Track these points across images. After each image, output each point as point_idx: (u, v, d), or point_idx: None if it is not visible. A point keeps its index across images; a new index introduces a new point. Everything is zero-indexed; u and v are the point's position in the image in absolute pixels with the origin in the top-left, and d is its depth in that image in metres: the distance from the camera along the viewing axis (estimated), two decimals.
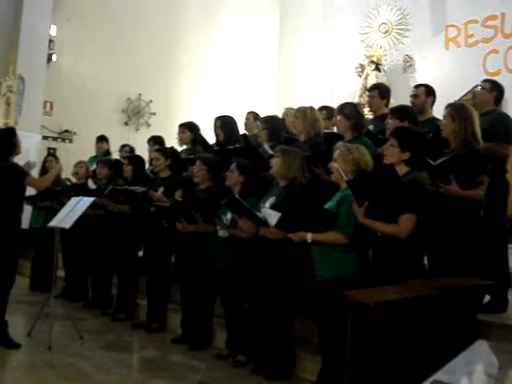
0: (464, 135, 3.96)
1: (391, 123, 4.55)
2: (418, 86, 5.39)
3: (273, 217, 4.03)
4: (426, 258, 3.98)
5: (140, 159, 6.48)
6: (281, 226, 4.01)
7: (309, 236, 3.86)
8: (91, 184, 6.47)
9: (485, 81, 4.96)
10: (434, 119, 5.00)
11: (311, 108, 5.21)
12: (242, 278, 4.69)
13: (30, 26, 10.03)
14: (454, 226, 3.85)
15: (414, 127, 4.29)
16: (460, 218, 3.85)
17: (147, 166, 6.65)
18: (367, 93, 5.89)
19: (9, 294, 5.00)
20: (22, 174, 5.07)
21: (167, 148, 6.30)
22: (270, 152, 4.94)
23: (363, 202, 3.57)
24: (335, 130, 5.29)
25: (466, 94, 5.30)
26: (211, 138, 6.61)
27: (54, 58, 10.71)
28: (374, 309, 2.90)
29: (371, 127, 5.25)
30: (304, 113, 5.10)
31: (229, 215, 4.84)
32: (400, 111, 4.66)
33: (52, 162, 7.52)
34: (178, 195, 5.56)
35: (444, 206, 3.86)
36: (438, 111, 5.13)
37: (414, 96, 5.23)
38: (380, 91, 5.58)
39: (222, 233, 4.89)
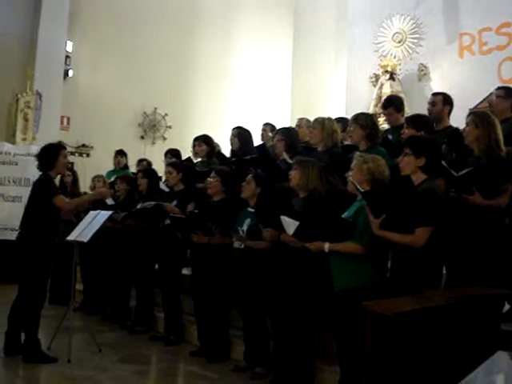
0: (488, 142, 3.96)
1: (407, 133, 4.54)
2: (435, 94, 5.36)
3: (291, 225, 4.02)
4: (444, 268, 3.95)
5: (154, 172, 6.52)
6: (298, 235, 4.01)
7: (326, 246, 3.85)
8: (108, 200, 6.53)
9: (499, 88, 4.93)
10: (451, 128, 4.98)
11: (329, 119, 5.22)
12: (260, 290, 4.68)
13: (47, 43, 10.21)
14: (479, 235, 3.83)
15: (426, 135, 4.27)
16: (484, 226, 3.83)
17: (163, 178, 6.68)
18: (383, 110, 5.86)
19: (40, 313, 4.99)
20: (51, 192, 5.05)
21: (180, 162, 6.34)
22: (290, 161, 4.94)
23: (378, 214, 3.57)
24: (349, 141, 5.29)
25: (481, 102, 5.27)
26: (227, 150, 6.65)
27: (70, 73, 10.87)
28: (392, 319, 2.88)
29: (390, 136, 5.25)
30: (322, 123, 5.11)
31: (245, 227, 4.85)
32: (416, 121, 4.65)
33: (70, 177, 7.59)
34: (190, 208, 5.59)
35: (468, 215, 3.84)
36: (454, 119, 5.12)
37: (432, 104, 5.20)
38: (396, 106, 5.55)
39: (237, 244, 4.90)
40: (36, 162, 5.23)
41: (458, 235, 3.88)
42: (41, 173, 5.19)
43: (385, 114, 5.73)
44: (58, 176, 7.49)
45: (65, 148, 5.36)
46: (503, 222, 3.96)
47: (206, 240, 5.16)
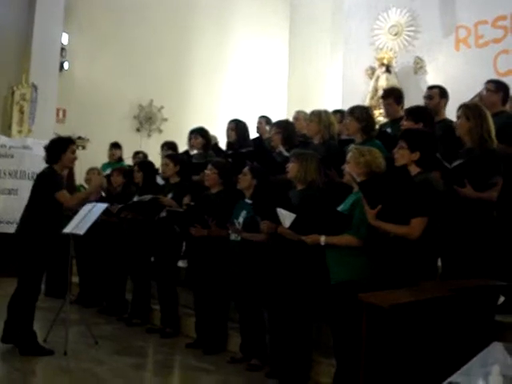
0: (480, 133, 3.96)
1: (406, 125, 4.54)
2: (431, 88, 5.36)
3: (287, 218, 4.03)
4: (439, 260, 3.97)
5: (150, 165, 6.51)
6: (294, 227, 4.01)
7: (322, 239, 3.86)
8: (101, 193, 6.53)
9: (489, 82, 4.93)
10: (446, 120, 4.99)
11: (326, 111, 5.20)
12: (257, 282, 4.69)
13: (42, 35, 10.16)
14: (468, 227, 3.84)
15: (422, 128, 4.28)
16: (473, 218, 3.85)
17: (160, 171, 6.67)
18: (382, 101, 5.86)
19: (35, 305, 4.99)
20: (55, 186, 5.02)
21: (177, 154, 6.33)
22: (286, 154, 4.94)
23: (374, 204, 3.58)
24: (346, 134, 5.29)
25: (474, 97, 5.30)
26: (223, 143, 6.64)
27: (66, 65, 10.82)
28: (388, 311, 2.90)
29: (389, 130, 5.24)
30: (319, 116, 5.09)
31: (241, 219, 4.86)
32: (415, 113, 4.64)
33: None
34: (186, 200, 5.59)
35: (457, 207, 3.85)
36: (449, 111, 5.12)
37: (428, 97, 5.20)
38: (395, 97, 5.54)
39: (233, 236, 4.90)
40: (33, 155, 5.18)
41: (450, 227, 3.89)
42: (47, 165, 5.15)
43: (384, 105, 5.73)
44: None
45: (74, 143, 5.31)
46: (491, 214, 3.97)
47: (204, 233, 5.16)
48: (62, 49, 10.68)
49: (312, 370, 4.38)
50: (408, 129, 4.23)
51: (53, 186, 5.02)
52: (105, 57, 11.17)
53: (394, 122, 5.46)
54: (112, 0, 11.26)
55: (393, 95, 5.59)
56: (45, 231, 4.97)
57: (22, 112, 9.78)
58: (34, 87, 9.64)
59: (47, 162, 5.14)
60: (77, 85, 10.88)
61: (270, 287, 4.51)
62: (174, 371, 4.94)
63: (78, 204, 5.42)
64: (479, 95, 4.90)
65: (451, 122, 4.77)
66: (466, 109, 4.09)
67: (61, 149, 5.11)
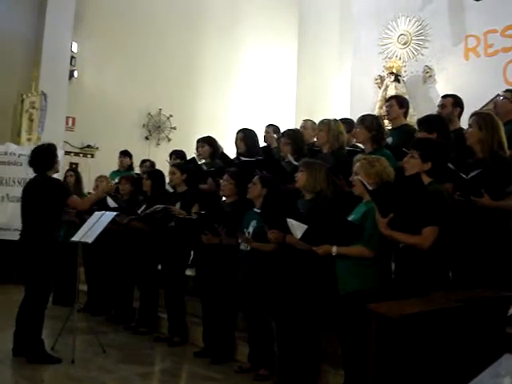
0: (491, 144, 3.94)
1: (420, 136, 4.52)
2: (445, 97, 5.33)
3: (298, 229, 4.00)
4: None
5: (159, 174, 6.51)
6: (306, 238, 3.99)
7: (334, 249, 3.83)
8: (110, 202, 6.52)
9: (506, 91, 4.95)
10: (461, 130, 4.96)
11: (335, 120, 5.19)
12: (265, 292, 4.67)
13: (52, 43, 10.24)
14: (485, 237, 3.81)
15: (434, 139, 4.26)
16: (490, 228, 3.82)
17: (168, 179, 6.68)
18: (385, 103, 5.89)
19: (44, 313, 5.00)
20: (65, 192, 5.15)
21: (184, 163, 6.33)
22: (295, 163, 4.92)
23: (386, 213, 3.56)
24: (354, 141, 5.28)
25: (487, 104, 5.28)
26: (231, 152, 6.63)
27: (75, 74, 10.90)
28: (398, 322, 2.87)
29: (389, 140, 5.22)
30: (328, 125, 5.08)
31: (250, 229, 4.84)
32: (427, 122, 4.62)
33: (73, 177, 7.58)
34: (194, 209, 5.58)
35: (473, 217, 3.83)
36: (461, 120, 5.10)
37: (441, 106, 5.19)
38: (398, 100, 5.57)
39: (243, 246, 4.89)
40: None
41: (463, 238, 3.86)
42: (36, 174, 5.19)
43: (386, 107, 5.75)
44: (61, 177, 7.57)
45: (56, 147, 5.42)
46: (508, 224, 3.94)
47: (216, 240, 5.15)
48: (72, 57, 10.76)
49: (320, 380, 4.35)
50: (420, 138, 4.21)
51: (63, 192, 5.09)
52: (114, 65, 11.24)
53: (394, 130, 5.45)
54: (122, 9, 11.33)
55: (395, 98, 5.61)
56: (51, 239, 5.00)
57: (31, 120, 9.84)
58: (44, 95, 9.70)
59: (40, 170, 5.17)
60: (86, 93, 10.95)
61: (278, 297, 4.49)
62: (182, 380, 4.92)
63: (90, 207, 5.51)
64: (494, 102, 4.88)
65: (461, 131, 4.75)
66: (480, 118, 4.06)
67: (53, 156, 5.21)
